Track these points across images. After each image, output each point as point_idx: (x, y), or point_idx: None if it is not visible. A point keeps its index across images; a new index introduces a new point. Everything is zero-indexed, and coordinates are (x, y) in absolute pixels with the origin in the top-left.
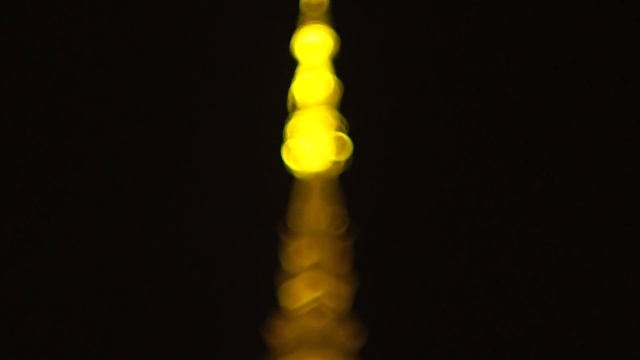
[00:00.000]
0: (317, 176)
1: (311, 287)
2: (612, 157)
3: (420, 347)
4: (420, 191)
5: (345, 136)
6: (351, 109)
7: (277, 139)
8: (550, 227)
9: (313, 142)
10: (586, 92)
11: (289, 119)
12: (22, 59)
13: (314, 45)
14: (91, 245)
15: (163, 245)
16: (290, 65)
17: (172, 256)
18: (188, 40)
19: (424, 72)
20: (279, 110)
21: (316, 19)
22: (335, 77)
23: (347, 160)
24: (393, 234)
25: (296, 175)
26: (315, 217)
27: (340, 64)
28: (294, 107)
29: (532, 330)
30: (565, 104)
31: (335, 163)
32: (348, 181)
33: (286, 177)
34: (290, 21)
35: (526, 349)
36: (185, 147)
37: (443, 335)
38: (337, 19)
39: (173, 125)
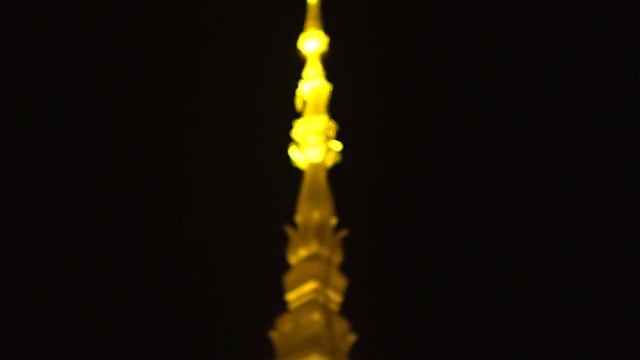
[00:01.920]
0: (315, 167)
1: (309, 278)
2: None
3: (415, 341)
4: (413, 187)
5: (335, 134)
6: (341, 109)
7: (282, 134)
8: (543, 225)
9: (311, 138)
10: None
11: (296, 117)
12: (22, 59)
13: (311, 47)
14: (96, 241)
15: (164, 238)
16: (298, 65)
17: (172, 250)
18: (198, 41)
19: (413, 72)
20: (285, 109)
21: (312, 22)
22: (326, 79)
23: (340, 154)
24: (387, 228)
25: (296, 167)
26: (313, 208)
27: (331, 65)
28: (303, 106)
29: (529, 325)
30: (557, 105)
31: (332, 153)
32: (343, 174)
33: (286, 170)
34: (298, 22)
35: (523, 345)
36: (190, 143)
37: (437, 329)
38: (326, 20)
39: (181, 124)
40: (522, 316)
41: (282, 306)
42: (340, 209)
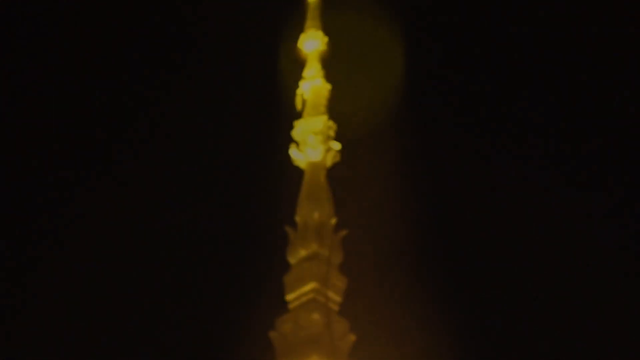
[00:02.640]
0: (315, 167)
1: (309, 278)
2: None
3: (415, 341)
4: (413, 187)
5: (334, 134)
6: (340, 110)
7: (282, 134)
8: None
9: (311, 138)
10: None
11: (296, 117)
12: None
13: (311, 47)
14: (96, 241)
15: (164, 238)
16: (298, 65)
17: (172, 249)
18: (198, 40)
19: (413, 72)
20: (285, 109)
21: (312, 22)
22: (326, 79)
23: (340, 154)
24: (386, 228)
25: (296, 167)
26: (313, 208)
27: (331, 65)
28: (304, 106)
29: (530, 325)
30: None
31: (332, 153)
32: (342, 174)
33: (286, 170)
34: (298, 22)
35: (524, 344)
36: (190, 143)
37: (437, 329)
38: (326, 20)
39: (180, 124)
40: (523, 316)
41: (282, 306)
42: (340, 209)
